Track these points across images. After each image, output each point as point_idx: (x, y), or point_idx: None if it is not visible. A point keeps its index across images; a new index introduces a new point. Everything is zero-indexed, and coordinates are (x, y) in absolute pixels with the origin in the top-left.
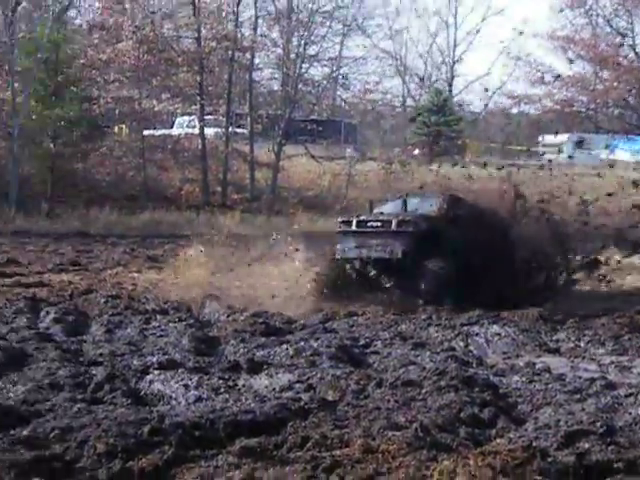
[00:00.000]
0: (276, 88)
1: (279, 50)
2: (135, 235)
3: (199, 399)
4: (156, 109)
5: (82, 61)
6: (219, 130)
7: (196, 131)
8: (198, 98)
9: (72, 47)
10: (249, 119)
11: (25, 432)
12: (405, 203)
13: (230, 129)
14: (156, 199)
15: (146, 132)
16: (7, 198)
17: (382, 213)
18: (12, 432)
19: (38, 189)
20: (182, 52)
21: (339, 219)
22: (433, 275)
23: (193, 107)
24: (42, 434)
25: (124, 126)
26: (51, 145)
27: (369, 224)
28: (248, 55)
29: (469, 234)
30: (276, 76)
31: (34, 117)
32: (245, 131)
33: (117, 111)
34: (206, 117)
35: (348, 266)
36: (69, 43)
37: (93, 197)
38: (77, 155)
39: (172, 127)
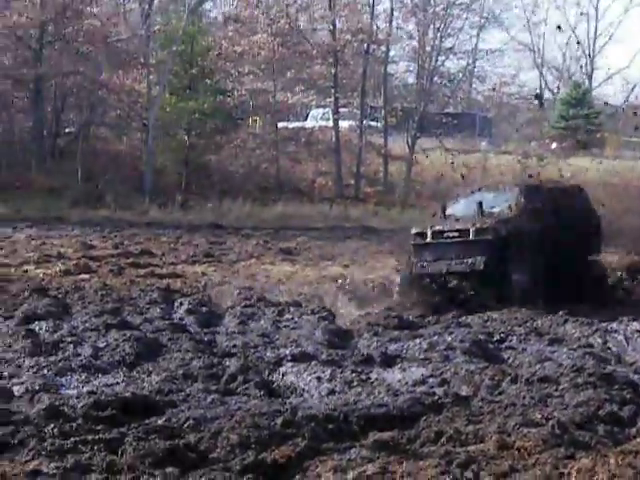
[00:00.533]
0: (411, 81)
1: (414, 43)
2: (268, 227)
3: (332, 392)
4: (290, 101)
5: (217, 53)
6: (353, 123)
7: (330, 124)
8: (332, 91)
9: (207, 39)
10: (383, 112)
11: (160, 422)
12: (480, 204)
13: (364, 122)
14: (289, 191)
15: (280, 124)
16: (142, 189)
17: (457, 220)
18: (147, 421)
19: (172, 180)
20: (317, 45)
21: (412, 231)
22: (517, 285)
23: (327, 100)
24: (176, 424)
25: (258, 118)
26: (185, 137)
27: (445, 234)
28: (383, 48)
29: (551, 225)
30: (411, 69)
31: (168, 109)
32: (379, 124)
33: (251, 103)
34: (340, 110)
35: (427, 280)
36: (204, 35)
37: (226, 189)
38: (211, 147)
39: (306, 119)
